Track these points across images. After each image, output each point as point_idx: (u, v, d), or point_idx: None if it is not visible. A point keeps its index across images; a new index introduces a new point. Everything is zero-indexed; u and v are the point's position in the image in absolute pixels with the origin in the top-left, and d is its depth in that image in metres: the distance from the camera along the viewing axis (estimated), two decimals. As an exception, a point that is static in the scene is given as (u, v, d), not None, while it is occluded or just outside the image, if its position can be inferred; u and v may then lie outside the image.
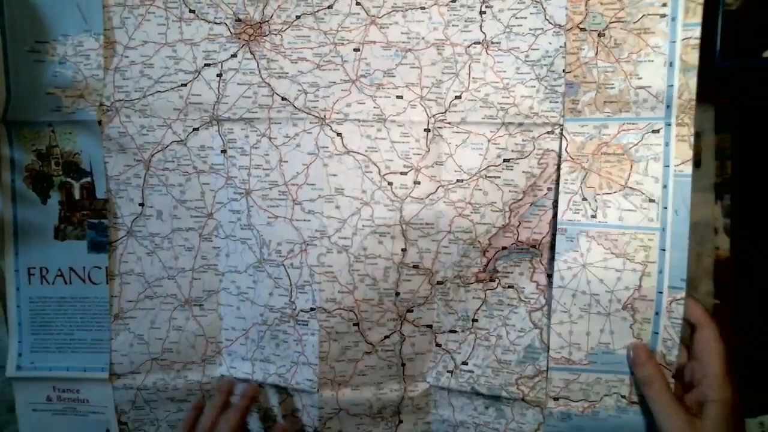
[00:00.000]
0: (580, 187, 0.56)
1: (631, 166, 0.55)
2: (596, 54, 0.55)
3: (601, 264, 0.56)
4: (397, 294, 0.60)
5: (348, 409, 0.62)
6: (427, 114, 0.58)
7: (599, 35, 0.54)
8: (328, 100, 0.59)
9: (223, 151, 0.59)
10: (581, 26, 0.55)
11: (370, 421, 0.63)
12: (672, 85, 0.53)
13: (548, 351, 0.58)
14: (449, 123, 0.58)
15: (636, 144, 0.54)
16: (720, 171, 0.64)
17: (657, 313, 0.55)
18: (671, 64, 0.52)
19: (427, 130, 0.59)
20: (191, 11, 0.58)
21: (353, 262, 0.60)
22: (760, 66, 0.57)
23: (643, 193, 0.55)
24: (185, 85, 0.59)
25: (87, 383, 0.62)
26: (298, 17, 0.58)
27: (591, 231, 0.56)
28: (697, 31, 0.52)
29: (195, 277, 0.61)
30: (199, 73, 0.58)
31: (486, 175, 0.58)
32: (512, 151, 0.57)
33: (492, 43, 0.57)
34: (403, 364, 0.62)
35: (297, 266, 0.60)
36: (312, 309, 0.60)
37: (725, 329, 0.61)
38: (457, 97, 0.58)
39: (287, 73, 0.59)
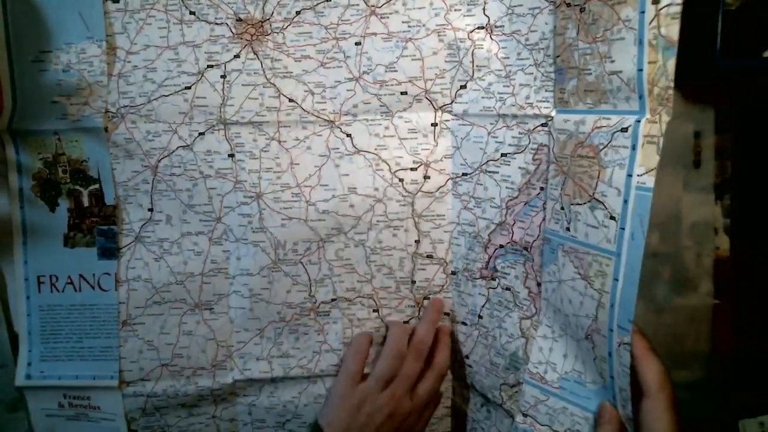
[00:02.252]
0: (560, 194, 0.48)
1: (599, 172, 0.43)
2: (577, 33, 0.44)
3: (570, 283, 0.47)
4: (413, 282, 0.59)
5: None
6: (434, 107, 0.56)
7: (581, 10, 0.44)
8: (335, 102, 0.55)
9: (231, 155, 0.56)
10: (567, 1, 0.45)
11: None
12: (641, 70, 0.39)
13: (527, 363, 0.53)
14: (455, 115, 0.55)
15: (606, 145, 0.43)
16: (720, 171, 0.61)
17: (610, 354, 0.44)
18: (640, 42, 0.39)
19: (434, 125, 0.56)
20: (191, 13, 0.54)
21: (369, 254, 0.58)
22: (760, 66, 0.54)
23: (606, 208, 0.43)
24: (189, 87, 0.55)
25: (97, 391, 0.58)
26: (298, 12, 0.54)
27: (566, 245, 0.47)
28: None
29: (205, 281, 0.57)
30: (203, 75, 0.55)
31: (486, 170, 0.55)
32: (509, 144, 0.53)
33: (496, 26, 0.52)
34: None
35: (315, 262, 0.58)
36: (333, 299, 0.58)
37: (725, 330, 0.60)
38: (462, 87, 0.55)
39: (291, 72, 0.55)
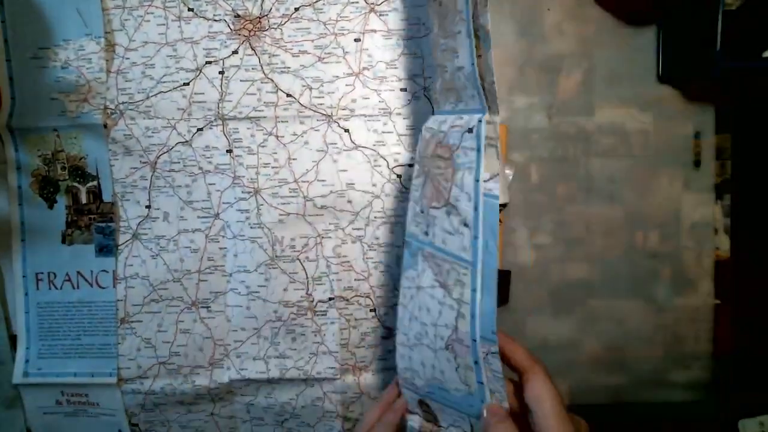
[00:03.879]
0: (420, 196, 0.45)
1: (453, 175, 0.40)
2: (438, 29, 0.42)
3: (429, 291, 0.43)
4: None
5: (369, 392, 0.58)
6: (431, 104, 0.54)
7: (439, 4, 0.40)
8: (333, 97, 0.55)
9: (229, 151, 0.55)
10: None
11: None
12: (473, 64, 0.37)
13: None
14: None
15: (458, 147, 0.39)
16: (720, 171, 0.60)
17: (476, 363, 0.41)
18: (468, 35, 0.36)
19: None
20: (190, 9, 0.54)
21: (367, 250, 0.57)
22: (760, 66, 0.53)
23: (460, 214, 0.40)
24: (187, 84, 0.54)
25: (95, 388, 0.57)
26: (296, 9, 0.54)
27: (425, 250, 0.44)
28: None
29: (201, 279, 0.56)
30: (201, 71, 0.54)
31: None
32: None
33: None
34: None
35: (313, 259, 0.56)
36: (330, 299, 0.57)
37: (725, 330, 0.58)
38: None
39: (289, 67, 0.54)
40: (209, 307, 0.57)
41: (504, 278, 0.59)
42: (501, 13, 0.58)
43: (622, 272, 0.60)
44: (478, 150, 0.37)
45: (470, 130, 0.38)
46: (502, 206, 0.58)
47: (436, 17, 0.41)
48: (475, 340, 0.40)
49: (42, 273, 0.57)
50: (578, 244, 0.60)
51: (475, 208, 0.38)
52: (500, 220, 0.59)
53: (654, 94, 0.59)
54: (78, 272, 0.57)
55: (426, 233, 0.43)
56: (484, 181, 0.37)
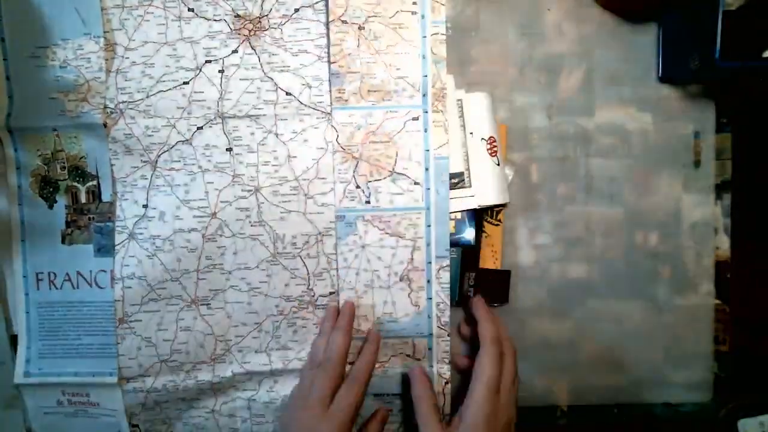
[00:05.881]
0: (353, 176, 0.56)
1: (397, 152, 0.55)
2: (358, 45, 0.55)
3: (377, 244, 0.57)
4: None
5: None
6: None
7: (359, 28, 0.55)
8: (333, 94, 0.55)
9: (229, 149, 0.55)
10: (343, 18, 0.55)
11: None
12: (426, 76, 0.55)
13: None
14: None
15: (399, 131, 0.55)
16: (720, 171, 0.60)
17: (428, 281, 0.57)
18: (424, 57, 0.55)
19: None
20: (190, 9, 0.54)
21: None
22: (760, 66, 0.53)
23: (409, 177, 0.56)
24: (187, 83, 0.54)
25: (96, 388, 0.57)
26: (296, 10, 0.54)
27: (366, 215, 0.56)
28: (442, 27, 0.55)
29: (200, 278, 0.56)
30: (201, 70, 0.54)
31: None
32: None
33: None
34: None
35: (314, 256, 0.57)
36: (331, 293, 0.57)
37: (725, 330, 0.58)
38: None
39: (289, 66, 0.54)
40: (209, 304, 0.57)
41: (504, 278, 0.59)
42: (501, 13, 0.58)
43: (622, 272, 0.60)
44: (425, 130, 0.56)
45: (415, 119, 0.56)
46: (502, 206, 0.58)
47: (354, 37, 0.56)
48: (429, 263, 0.57)
49: (42, 273, 0.57)
50: (578, 244, 0.60)
51: (426, 169, 0.56)
52: (500, 220, 0.59)
53: (654, 94, 0.59)
54: (78, 272, 0.57)
55: (368, 201, 0.57)
56: (435, 149, 0.56)
